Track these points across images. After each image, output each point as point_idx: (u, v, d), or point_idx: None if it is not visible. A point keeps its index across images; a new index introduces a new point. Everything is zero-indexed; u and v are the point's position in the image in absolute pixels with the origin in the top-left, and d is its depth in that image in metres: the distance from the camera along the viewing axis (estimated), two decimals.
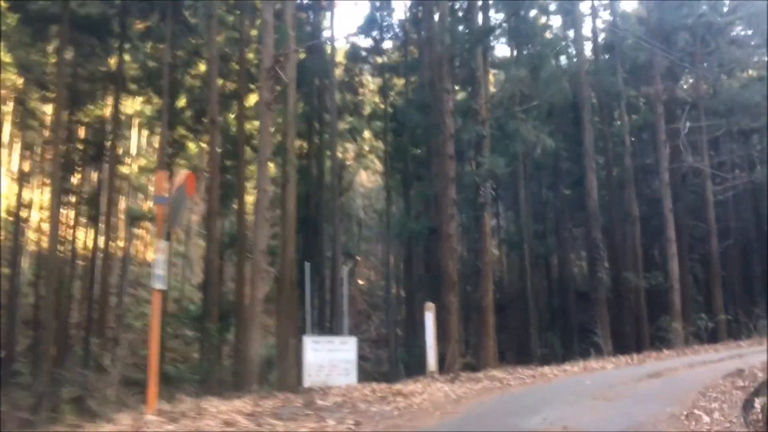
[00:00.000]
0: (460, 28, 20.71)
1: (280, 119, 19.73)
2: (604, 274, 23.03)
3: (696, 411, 8.23)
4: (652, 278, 23.07)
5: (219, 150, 20.44)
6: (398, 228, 26.78)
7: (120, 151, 34.15)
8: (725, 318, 22.83)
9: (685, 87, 30.18)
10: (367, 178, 59.37)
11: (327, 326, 27.97)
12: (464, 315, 22.92)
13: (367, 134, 43.21)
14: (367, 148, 46.85)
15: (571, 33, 29.55)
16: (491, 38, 24.31)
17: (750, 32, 31.41)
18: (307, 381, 12.40)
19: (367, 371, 34.88)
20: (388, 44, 35.60)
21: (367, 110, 38.78)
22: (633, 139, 31.03)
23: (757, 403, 9.93)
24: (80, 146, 30.26)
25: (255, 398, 10.90)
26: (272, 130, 15.34)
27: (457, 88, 25.83)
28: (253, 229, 16.51)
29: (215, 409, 9.84)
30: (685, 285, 23.93)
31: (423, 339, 15.27)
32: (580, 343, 26.78)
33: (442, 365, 16.23)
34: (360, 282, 55.07)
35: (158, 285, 8.64)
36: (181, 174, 10.47)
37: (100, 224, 28.71)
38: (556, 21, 36.06)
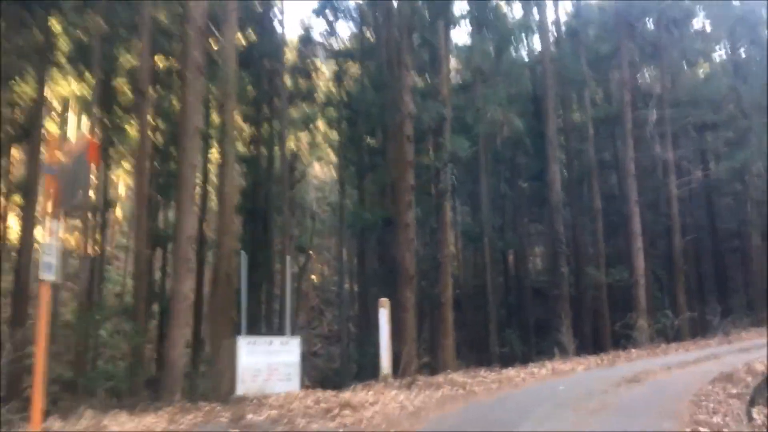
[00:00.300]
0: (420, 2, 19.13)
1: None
2: (566, 270, 21.86)
3: (701, 429, 6.83)
4: (617, 273, 22.03)
5: (151, 129, 18.29)
6: (351, 219, 25.13)
7: (50, 134, 31.34)
8: (691, 315, 21.94)
9: (648, 78, 29.40)
10: (321, 171, 57.63)
11: (276, 323, 26.16)
12: (421, 312, 21.43)
13: (321, 126, 41.64)
14: (320, 138, 45.43)
15: (534, 19, 28.34)
16: (453, 22, 22.87)
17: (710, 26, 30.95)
18: (241, 389, 10.67)
19: (320, 368, 33.20)
20: (344, 30, 33.87)
21: (321, 97, 37.23)
22: (594, 132, 30.09)
23: (756, 413, 8.65)
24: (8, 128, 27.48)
25: (174, 412, 9.07)
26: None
27: (416, 73, 24.33)
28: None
29: (118, 429, 8.00)
30: (649, 281, 23.02)
31: (377, 337, 13.64)
32: (539, 342, 25.67)
33: (398, 367, 14.69)
34: (313, 277, 53.74)
35: (47, 275, 6.77)
36: (80, 139, 8.53)
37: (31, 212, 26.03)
38: (518, 10, 35.13)
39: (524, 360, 20.84)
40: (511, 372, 13.07)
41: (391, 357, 13.30)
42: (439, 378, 12.52)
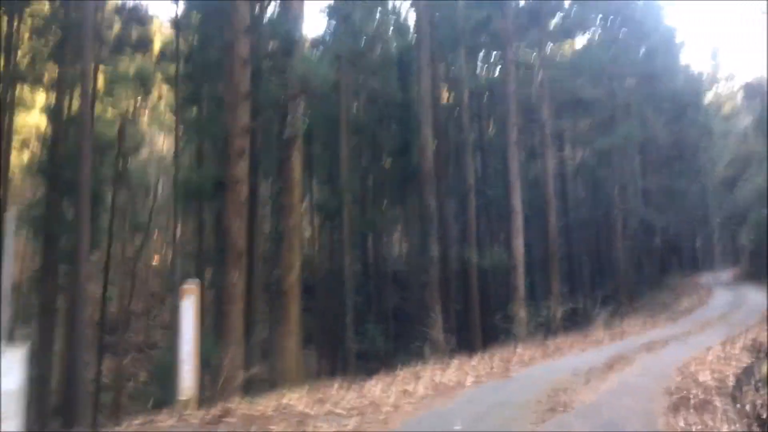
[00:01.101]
0: None
1: None
2: (437, 252, 18.31)
3: None
4: (493, 257, 18.90)
5: None
6: (182, 185, 19.86)
7: None
8: (574, 306, 19.38)
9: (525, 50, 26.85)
10: (165, 142, 50.90)
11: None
12: (265, 303, 16.85)
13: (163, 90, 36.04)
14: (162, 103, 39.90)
15: None
16: None
17: None
18: None
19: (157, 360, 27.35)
20: None
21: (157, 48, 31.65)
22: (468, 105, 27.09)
23: None
24: None
25: None
26: None
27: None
28: None
29: None
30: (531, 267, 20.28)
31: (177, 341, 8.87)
32: (402, 336, 22.12)
33: (215, 383, 10.16)
34: (154, 260, 47.72)
35: None
36: None
37: None
38: None
39: (388, 361, 17.07)
40: (376, 390, 8.92)
41: (198, 371, 8.63)
42: (269, 404, 8.08)
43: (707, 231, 47.96)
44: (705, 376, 9.00)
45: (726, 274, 44.21)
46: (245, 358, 11.71)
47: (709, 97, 44.33)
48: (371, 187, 32.64)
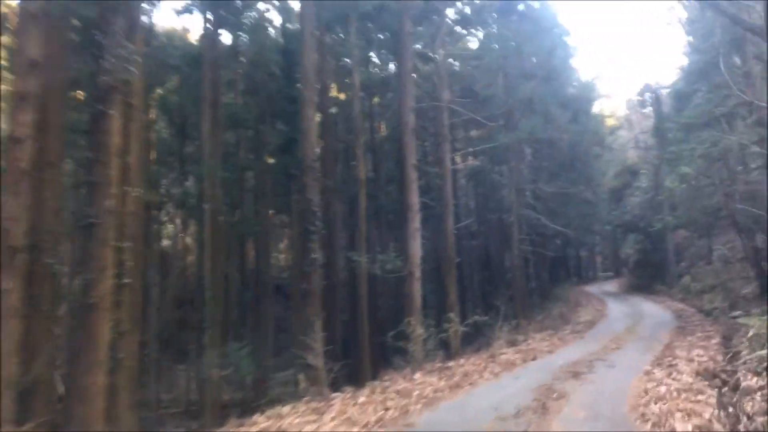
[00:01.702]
0: None
1: None
2: (319, 255, 14.98)
3: None
4: (387, 261, 15.86)
5: None
6: None
7: None
8: (478, 319, 16.68)
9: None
10: None
11: None
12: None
13: None
14: None
15: None
16: None
17: None
18: None
19: None
20: None
21: None
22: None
23: None
24: None
25: None
26: None
27: None
28: None
29: None
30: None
31: None
32: (280, 357, 18.55)
33: None
34: None
35: None
36: None
37: None
38: None
39: (257, 391, 13.56)
40: None
41: None
42: None
43: (592, 241, 48.23)
44: (682, 424, 6.34)
45: (611, 285, 44.42)
46: (24, 404, 7.82)
47: (596, 108, 44.68)
48: (252, 188, 28.92)
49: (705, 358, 11.80)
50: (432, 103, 18.85)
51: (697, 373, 9.55)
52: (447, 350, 14.69)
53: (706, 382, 8.86)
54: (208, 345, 15.36)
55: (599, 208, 34.34)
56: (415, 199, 15.75)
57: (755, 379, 7.87)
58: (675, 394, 7.91)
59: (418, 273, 15.61)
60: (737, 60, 19.38)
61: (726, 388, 8.10)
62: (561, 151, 30.85)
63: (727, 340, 14.60)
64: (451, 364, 12.86)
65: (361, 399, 8.91)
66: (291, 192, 27.88)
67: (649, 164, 34.23)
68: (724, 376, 8.91)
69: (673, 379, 9.23)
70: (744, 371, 8.59)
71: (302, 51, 16.36)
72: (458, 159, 35.96)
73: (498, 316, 18.40)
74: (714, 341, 14.69)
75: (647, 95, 33.07)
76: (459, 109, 19.13)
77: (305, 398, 9.44)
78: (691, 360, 11.40)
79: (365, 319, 17.30)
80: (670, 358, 12.25)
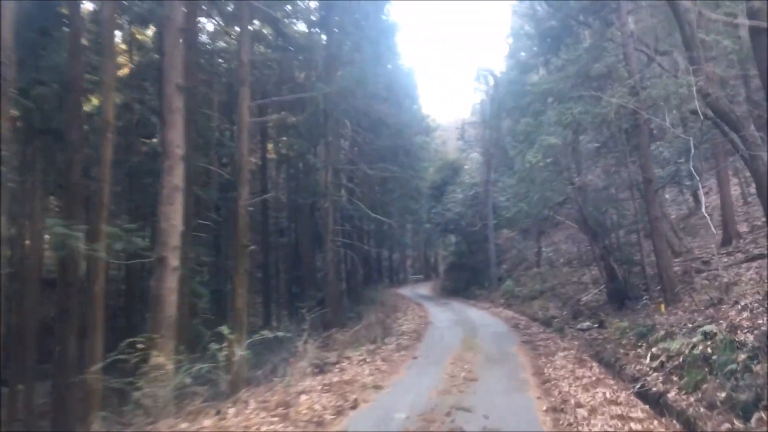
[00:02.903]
0: None
1: None
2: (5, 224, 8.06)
3: None
4: (120, 238, 9.37)
5: None
6: None
7: None
8: (280, 327, 10.74)
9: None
10: None
11: None
12: None
13: None
14: None
15: None
16: None
17: None
18: None
19: None
20: None
21: None
22: None
23: None
24: None
25: None
26: None
27: None
28: None
29: None
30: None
31: None
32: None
33: None
34: None
35: None
36: None
37: None
38: None
39: None
40: None
41: None
42: None
43: (406, 242, 44.86)
44: None
45: (424, 288, 41.28)
46: None
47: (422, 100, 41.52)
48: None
49: (622, 405, 7.24)
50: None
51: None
52: (216, 390, 8.63)
53: None
54: None
55: (422, 203, 30.48)
56: (176, 137, 9.44)
57: None
58: None
59: (175, 260, 9.30)
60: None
61: None
62: (384, 132, 26.25)
63: (608, 366, 10.50)
64: (206, 425, 6.83)
65: None
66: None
67: (480, 154, 31.13)
68: None
69: None
70: None
71: None
72: (271, 127, 29.95)
73: (302, 326, 12.76)
74: (592, 366, 10.48)
75: (482, 76, 29.87)
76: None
77: None
78: (601, 407, 6.72)
79: (95, 327, 10.48)
80: (563, 401, 7.57)
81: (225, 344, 8.64)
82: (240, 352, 9.06)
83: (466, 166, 34.45)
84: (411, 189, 29.19)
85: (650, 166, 13.55)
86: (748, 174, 21.03)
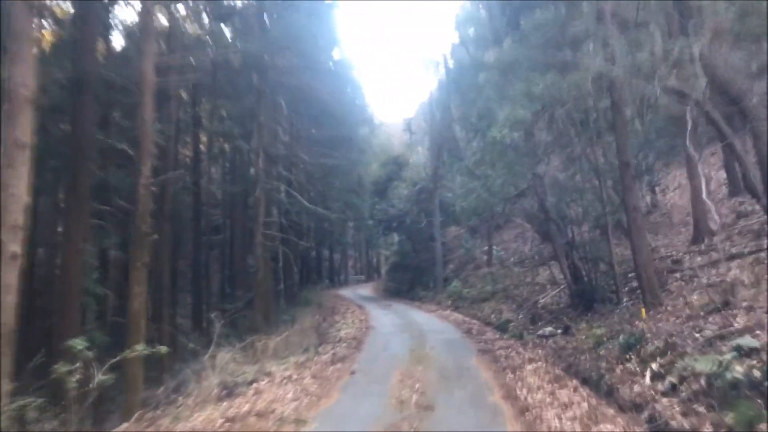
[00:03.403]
0: None
1: None
2: None
3: None
4: None
5: None
6: None
7: None
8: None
9: None
10: None
11: None
12: None
13: None
14: None
15: None
16: None
17: None
18: None
19: None
20: None
21: None
22: None
23: None
24: None
25: None
26: None
27: None
28: None
29: None
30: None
31: None
32: None
33: None
34: None
35: None
36: None
37: None
38: None
39: None
40: None
41: None
42: None
43: (347, 241, 42.24)
44: None
45: (366, 289, 38.81)
46: None
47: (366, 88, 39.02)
48: None
49: None
50: None
51: None
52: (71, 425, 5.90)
53: None
54: None
55: (364, 198, 28.10)
56: (25, 73, 6.64)
57: None
58: None
59: (15, 245, 6.48)
60: None
61: None
62: (326, 121, 23.68)
63: (590, 384, 8.34)
64: None
65: None
66: None
67: (428, 149, 28.91)
68: None
69: None
70: None
71: None
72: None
73: (210, 332, 10.09)
74: (575, 386, 8.27)
75: (431, 64, 27.64)
76: None
77: None
78: None
79: None
80: None
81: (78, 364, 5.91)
82: (100, 376, 6.31)
83: (411, 160, 32.22)
84: (353, 183, 26.73)
85: (627, 148, 11.58)
86: (710, 169, 19.67)
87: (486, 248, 25.58)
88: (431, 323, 17.88)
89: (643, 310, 10.75)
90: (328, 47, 24.68)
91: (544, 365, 10.15)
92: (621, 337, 9.51)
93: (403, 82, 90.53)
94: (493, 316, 17.78)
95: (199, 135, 29.40)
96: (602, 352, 9.87)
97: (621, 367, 8.56)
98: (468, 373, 9.75)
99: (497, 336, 14.48)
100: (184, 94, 23.31)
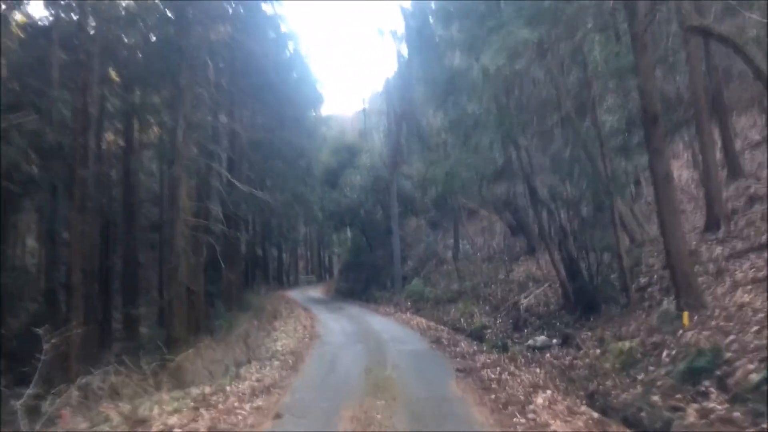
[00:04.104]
0: None
1: None
2: None
3: None
4: None
5: None
6: None
7: None
8: None
9: None
10: None
11: None
12: None
13: None
14: None
15: None
16: None
17: None
18: None
19: None
20: None
21: None
22: None
23: None
24: None
25: None
26: None
27: None
28: None
29: None
30: None
31: None
32: None
33: None
34: None
35: None
36: None
37: None
38: None
39: None
40: None
41: None
42: None
43: (296, 237, 38.42)
44: None
45: (316, 290, 35.09)
46: None
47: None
48: None
49: None
50: None
51: None
52: None
53: None
54: None
55: (314, 187, 24.54)
56: None
57: None
58: None
59: None
60: None
61: None
62: (269, 98, 20.01)
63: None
64: None
65: None
66: None
67: (384, 134, 25.49)
68: None
69: None
70: None
71: None
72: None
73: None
74: None
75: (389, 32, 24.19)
76: None
77: None
78: None
79: None
80: None
81: None
82: None
83: (366, 146, 28.73)
84: (301, 171, 23.13)
85: (656, 96, 8.51)
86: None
87: (451, 241, 22.41)
88: (391, 330, 14.48)
89: (686, 314, 7.68)
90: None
91: (555, 394, 6.94)
92: (682, 360, 6.30)
93: (356, 72, 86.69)
94: (463, 320, 14.54)
95: (132, 122, 25.16)
96: (642, 377, 6.71)
97: (696, 406, 5.40)
98: (452, 410, 6.42)
99: (475, 347, 11.20)
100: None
